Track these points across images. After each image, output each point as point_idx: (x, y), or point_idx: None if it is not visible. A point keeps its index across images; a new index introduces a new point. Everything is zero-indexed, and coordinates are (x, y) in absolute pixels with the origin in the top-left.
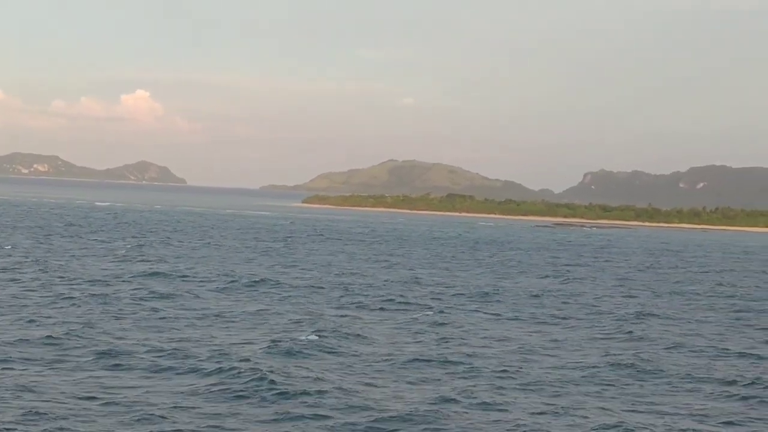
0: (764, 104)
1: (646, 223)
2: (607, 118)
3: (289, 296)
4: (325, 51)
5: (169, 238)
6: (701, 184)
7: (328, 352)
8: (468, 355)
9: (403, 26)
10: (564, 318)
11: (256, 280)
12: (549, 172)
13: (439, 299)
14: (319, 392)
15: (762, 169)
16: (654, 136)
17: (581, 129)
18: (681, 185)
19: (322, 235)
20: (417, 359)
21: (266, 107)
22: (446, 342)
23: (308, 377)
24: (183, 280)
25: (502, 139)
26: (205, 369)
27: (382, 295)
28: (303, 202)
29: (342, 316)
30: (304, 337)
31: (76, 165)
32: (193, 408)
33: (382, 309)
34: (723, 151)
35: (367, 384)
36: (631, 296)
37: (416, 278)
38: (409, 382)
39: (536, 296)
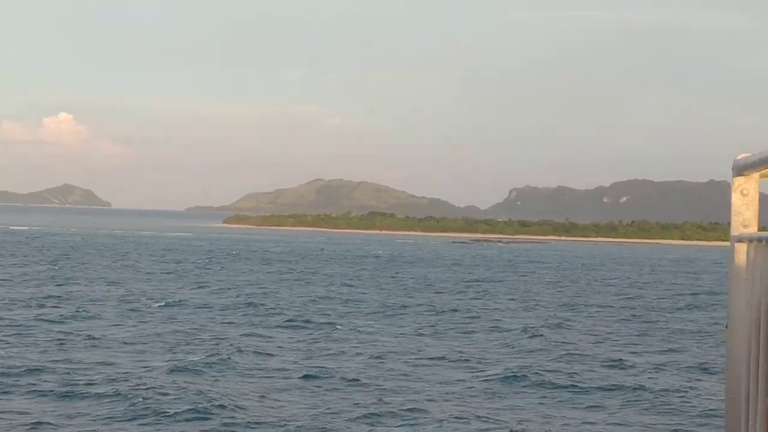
0: (685, 118)
1: (563, 238)
2: (531, 134)
3: (192, 317)
4: (251, 72)
5: (81, 261)
6: (624, 198)
7: (226, 371)
8: (361, 369)
9: (329, 47)
10: (466, 332)
11: (165, 302)
12: (475, 189)
13: (345, 316)
14: (214, 408)
15: (684, 182)
16: (578, 152)
17: (506, 146)
18: (605, 200)
19: (234, 255)
20: (310, 375)
21: (191, 129)
22: (341, 356)
23: (203, 395)
24: (91, 303)
25: (429, 158)
26: (99, 391)
27: (288, 314)
28: (224, 222)
29: (245, 335)
30: (199, 358)
31: None
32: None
33: (285, 327)
34: (645, 165)
35: (262, 399)
36: (531, 309)
37: (324, 296)
38: (298, 397)
39: (442, 312)
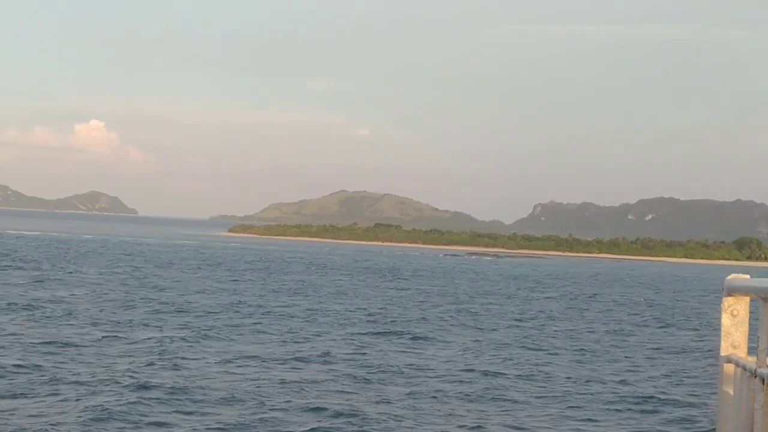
0: (712, 137)
1: (567, 253)
2: (557, 150)
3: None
4: (280, 81)
5: (74, 265)
6: (650, 216)
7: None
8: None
9: (359, 59)
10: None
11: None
12: (500, 203)
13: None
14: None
15: (709, 201)
16: (604, 169)
17: (532, 161)
18: (630, 217)
19: (204, 261)
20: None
21: (219, 138)
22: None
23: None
24: (59, 304)
25: (454, 171)
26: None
27: (220, 320)
28: (229, 231)
29: (176, 339)
30: (127, 367)
31: (25, 195)
32: None
33: (205, 337)
34: (672, 183)
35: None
36: (465, 324)
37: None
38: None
39: (393, 321)
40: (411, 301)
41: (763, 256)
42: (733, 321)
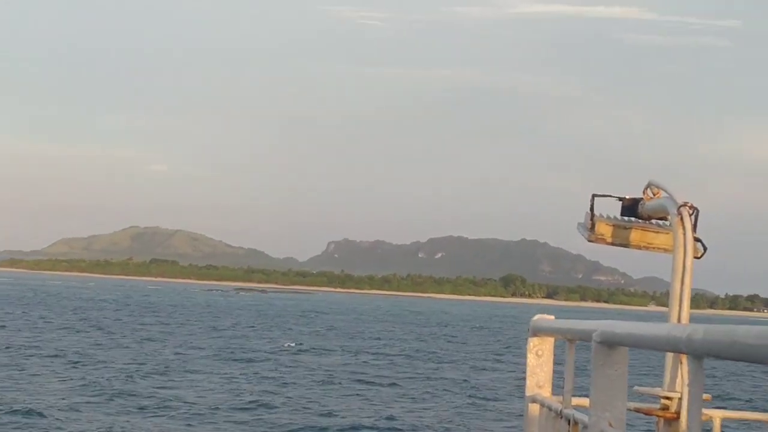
0: (499, 176)
1: (338, 289)
2: (351, 188)
3: None
4: (73, 116)
5: None
6: (439, 254)
7: None
8: None
9: (153, 91)
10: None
11: None
12: (294, 240)
13: None
14: None
15: (496, 240)
16: (396, 208)
17: (326, 199)
18: (420, 255)
19: None
20: None
21: (5, 171)
22: None
23: None
24: None
25: (250, 207)
26: None
27: None
28: None
29: None
30: None
31: None
32: None
33: None
34: (460, 223)
35: None
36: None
37: None
38: None
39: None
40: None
41: (527, 292)
42: (538, 361)
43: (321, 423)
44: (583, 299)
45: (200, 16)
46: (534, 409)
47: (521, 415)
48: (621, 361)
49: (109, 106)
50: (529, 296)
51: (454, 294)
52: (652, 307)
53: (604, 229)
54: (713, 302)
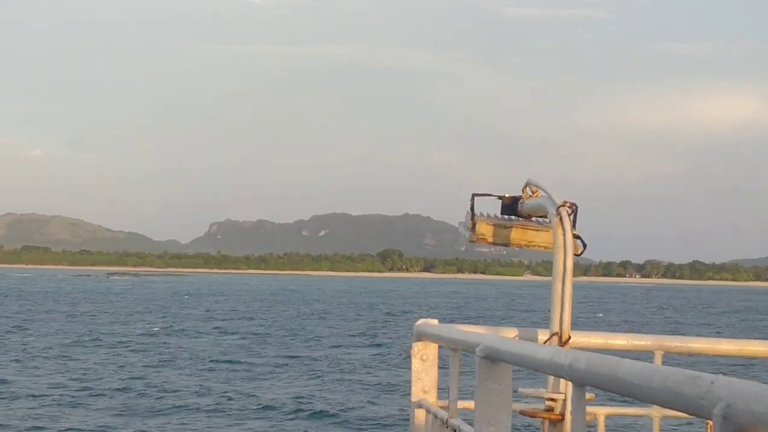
0: (382, 151)
1: (215, 270)
2: (231, 168)
3: None
4: None
5: None
6: (323, 232)
7: None
8: None
9: (35, 78)
10: None
11: None
12: (176, 223)
13: None
14: None
15: (379, 215)
16: (278, 186)
17: (206, 180)
18: (304, 233)
19: None
20: None
21: None
22: None
23: None
24: None
25: (130, 191)
26: None
27: None
28: None
29: None
30: None
31: None
32: None
33: None
34: (344, 199)
35: None
36: None
37: None
38: None
39: None
40: None
41: (404, 267)
42: (423, 365)
43: (180, 403)
44: (460, 271)
45: None
46: (420, 415)
47: (406, 420)
48: (505, 376)
49: None
50: (407, 270)
51: (332, 271)
52: (528, 276)
53: (485, 229)
54: (587, 269)
